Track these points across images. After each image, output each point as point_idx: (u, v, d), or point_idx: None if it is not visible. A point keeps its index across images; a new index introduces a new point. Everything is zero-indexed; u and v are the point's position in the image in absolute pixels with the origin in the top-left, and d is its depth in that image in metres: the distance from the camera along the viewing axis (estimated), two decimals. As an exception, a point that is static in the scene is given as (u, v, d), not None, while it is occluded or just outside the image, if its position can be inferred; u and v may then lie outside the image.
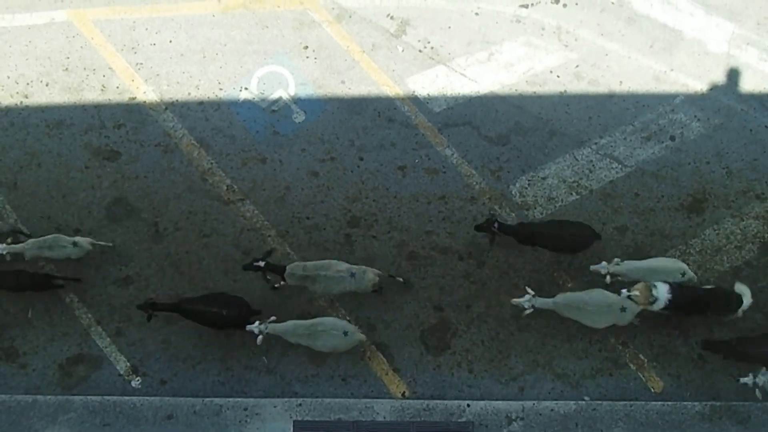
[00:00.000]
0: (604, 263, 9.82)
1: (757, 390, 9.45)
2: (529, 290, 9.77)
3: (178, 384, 10.32)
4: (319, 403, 10.00)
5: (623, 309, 9.61)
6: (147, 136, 11.21)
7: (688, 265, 10.42)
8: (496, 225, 9.92)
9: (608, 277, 9.82)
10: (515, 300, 9.75)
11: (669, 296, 9.50)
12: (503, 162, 11.00)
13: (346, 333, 9.66)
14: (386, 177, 10.98)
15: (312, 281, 9.87)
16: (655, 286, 9.53)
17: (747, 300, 9.86)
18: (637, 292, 9.54)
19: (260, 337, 9.69)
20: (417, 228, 10.76)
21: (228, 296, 10.00)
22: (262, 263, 9.86)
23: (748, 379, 9.45)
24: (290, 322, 9.77)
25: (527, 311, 9.73)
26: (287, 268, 9.91)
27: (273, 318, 9.84)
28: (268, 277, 10.25)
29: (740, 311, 9.81)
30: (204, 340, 10.38)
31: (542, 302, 9.72)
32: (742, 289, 9.97)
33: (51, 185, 11.03)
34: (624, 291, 9.62)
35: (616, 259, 9.89)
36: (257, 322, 9.72)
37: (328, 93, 11.31)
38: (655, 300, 9.52)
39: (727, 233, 10.64)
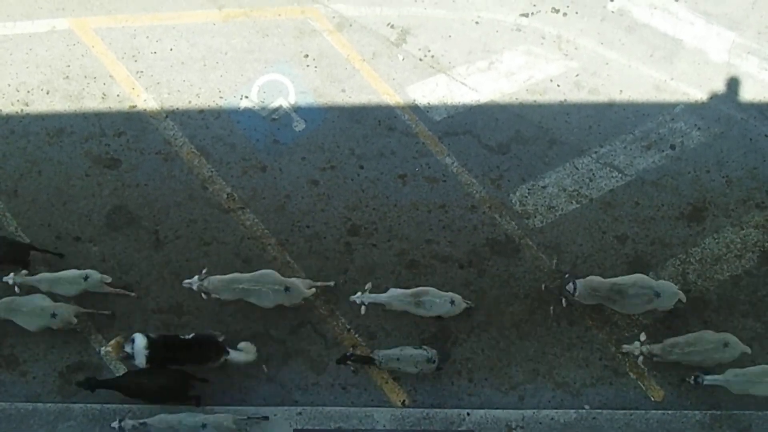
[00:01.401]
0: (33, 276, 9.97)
1: None
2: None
3: (178, 392, 10.30)
4: (319, 411, 9.99)
5: (54, 315, 9.76)
6: (147, 144, 11.22)
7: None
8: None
9: (27, 287, 9.93)
10: None
11: (147, 353, 9.40)
12: (503, 171, 11.00)
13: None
14: (386, 185, 10.99)
15: None
16: (132, 341, 9.45)
17: (242, 357, 9.73)
18: (109, 348, 9.50)
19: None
20: (417, 237, 10.76)
21: None
22: None
23: None
24: None
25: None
26: None
27: None
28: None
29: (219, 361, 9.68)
30: (204, 349, 10.38)
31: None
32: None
33: (51, 193, 11.03)
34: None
35: (23, 271, 10.01)
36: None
37: (328, 101, 11.32)
38: (131, 356, 9.43)
39: (727, 242, 10.64)
